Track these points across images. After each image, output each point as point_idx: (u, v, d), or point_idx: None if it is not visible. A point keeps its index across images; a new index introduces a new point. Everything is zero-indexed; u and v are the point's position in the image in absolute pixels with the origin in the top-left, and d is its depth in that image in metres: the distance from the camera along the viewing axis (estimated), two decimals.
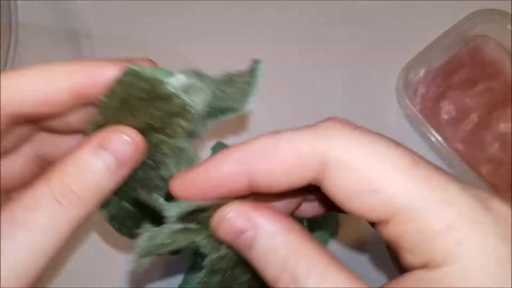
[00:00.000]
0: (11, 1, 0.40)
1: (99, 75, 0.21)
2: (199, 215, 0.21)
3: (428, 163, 0.18)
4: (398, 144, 0.18)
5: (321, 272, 0.18)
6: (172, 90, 0.21)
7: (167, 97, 0.22)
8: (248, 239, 0.19)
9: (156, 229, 0.21)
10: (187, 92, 0.21)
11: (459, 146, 0.40)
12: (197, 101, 0.22)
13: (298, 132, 0.19)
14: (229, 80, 0.23)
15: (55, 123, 0.23)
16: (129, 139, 0.21)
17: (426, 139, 0.40)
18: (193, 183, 0.20)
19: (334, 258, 0.19)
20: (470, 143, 0.40)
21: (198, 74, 0.22)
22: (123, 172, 0.21)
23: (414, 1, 0.45)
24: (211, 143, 0.40)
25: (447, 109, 0.41)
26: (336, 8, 0.45)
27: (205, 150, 0.40)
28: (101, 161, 0.20)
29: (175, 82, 0.21)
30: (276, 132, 0.19)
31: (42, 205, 0.19)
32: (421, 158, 0.18)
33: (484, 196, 0.18)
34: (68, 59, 0.43)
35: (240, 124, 0.42)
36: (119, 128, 0.21)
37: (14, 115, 0.21)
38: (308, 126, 0.19)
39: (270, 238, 0.19)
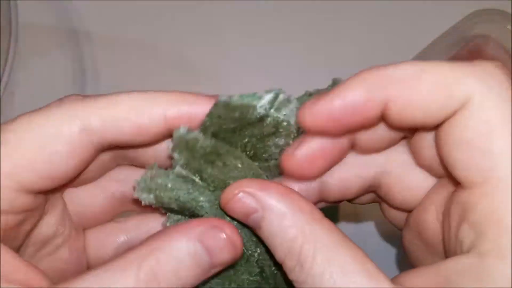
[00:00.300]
0: (11, 1, 0.40)
1: (194, 108, 0.20)
2: (206, 168, 0.21)
3: None
4: None
5: (327, 256, 0.17)
6: (263, 111, 0.21)
7: (259, 120, 0.21)
8: (257, 220, 0.19)
9: (160, 170, 0.21)
10: (277, 109, 0.21)
11: None
12: (289, 114, 0.21)
13: (446, 63, 0.17)
14: (309, 98, 0.23)
15: (142, 155, 0.22)
16: (228, 240, 0.18)
17: None
18: (326, 110, 0.18)
19: (344, 239, 0.18)
20: None
21: (282, 91, 0.21)
22: (212, 272, 0.19)
23: (414, 1, 0.45)
24: None
25: None
26: (336, 8, 0.45)
27: None
28: (197, 258, 0.18)
29: (265, 102, 0.21)
30: (419, 62, 0.18)
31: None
32: None
33: None
34: (68, 59, 0.43)
35: None
36: (219, 225, 0.18)
37: (106, 144, 0.20)
38: (457, 62, 0.17)
39: (279, 219, 0.18)
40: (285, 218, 0.18)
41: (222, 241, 0.18)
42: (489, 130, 0.16)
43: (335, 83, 0.22)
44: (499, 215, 0.16)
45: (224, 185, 0.21)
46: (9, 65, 0.37)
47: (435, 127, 0.18)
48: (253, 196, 0.18)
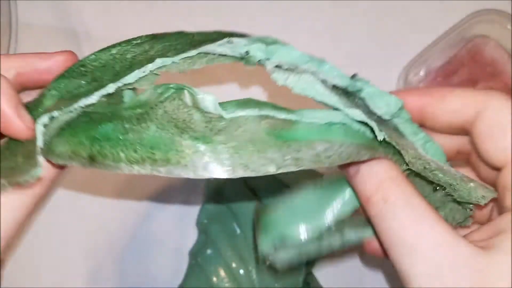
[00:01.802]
0: (11, 1, 0.40)
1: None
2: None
3: None
4: None
5: (408, 199, 0.21)
6: None
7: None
8: (355, 168, 0.23)
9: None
10: None
11: None
12: None
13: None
14: None
15: None
16: None
17: None
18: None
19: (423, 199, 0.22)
20: None
21: None
22: None
23: (414, 1, 0.45)
24: None
25: None
26: (336, 8, 0.45)
27: None
28: None
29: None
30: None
31: None
32: None
33: None
34: None
35: None
36: None
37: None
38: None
39: (372, 165, 0.22)
40: (377, 165, 0.22)
41: None
42: (506, 122, 0.22)
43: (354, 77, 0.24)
44: None
45: None
46: None
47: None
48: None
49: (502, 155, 0.22)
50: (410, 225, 0.20)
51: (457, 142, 0.26)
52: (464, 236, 0.22)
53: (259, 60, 0.22)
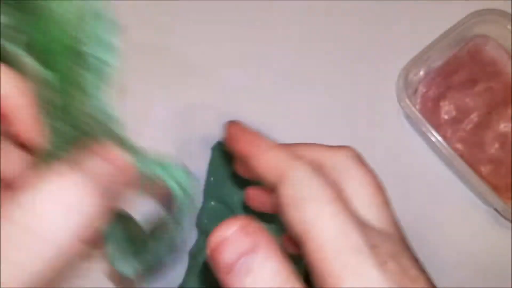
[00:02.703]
0: None
1: None
2: None
3: (347, 212, 0.21)
4: (329, 184, 0.22)
5: None
6: None
7: None
8: (248, 264, 0.18)
9: None
10: None
11: (459, 146, 0.40)
12: None
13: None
14: None
15: None
16: None
17: (426, 139, 0.40)
18: None
19: None
20: (470, 143, 0.40)
21: None
22: None
23: (414, 1, 0.45)
24: (211, 143, 0.40)
25: (447, 109, 0.41)
26: (336, 8, 0.45)
27: (206, 150, 0.40)
28: None
29: None
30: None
31: None
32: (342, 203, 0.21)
33: (368, 232, 0.20)
34: None
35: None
36: None
37: None
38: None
39: (266, 267, 0.18)
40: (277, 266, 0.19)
41: None
42: (297, 191, 0.21)
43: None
44: (322, 254, 0.19)
45: None
46: None
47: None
48: (250, 235, 0.19)
49: (301, 227, 0.20)
50: None
51: None
52: None
53: None
